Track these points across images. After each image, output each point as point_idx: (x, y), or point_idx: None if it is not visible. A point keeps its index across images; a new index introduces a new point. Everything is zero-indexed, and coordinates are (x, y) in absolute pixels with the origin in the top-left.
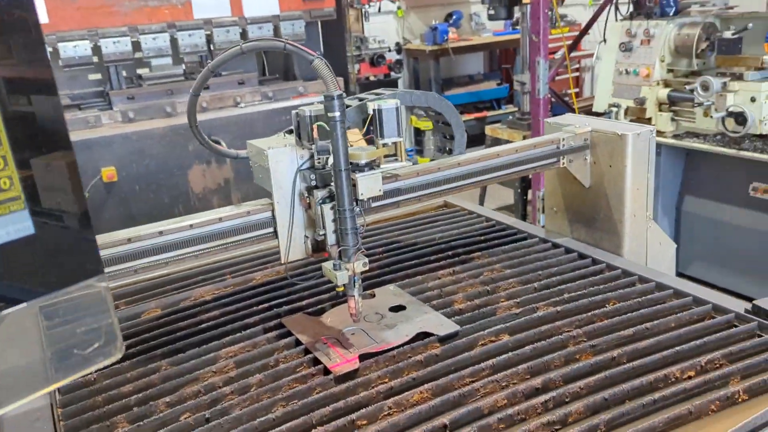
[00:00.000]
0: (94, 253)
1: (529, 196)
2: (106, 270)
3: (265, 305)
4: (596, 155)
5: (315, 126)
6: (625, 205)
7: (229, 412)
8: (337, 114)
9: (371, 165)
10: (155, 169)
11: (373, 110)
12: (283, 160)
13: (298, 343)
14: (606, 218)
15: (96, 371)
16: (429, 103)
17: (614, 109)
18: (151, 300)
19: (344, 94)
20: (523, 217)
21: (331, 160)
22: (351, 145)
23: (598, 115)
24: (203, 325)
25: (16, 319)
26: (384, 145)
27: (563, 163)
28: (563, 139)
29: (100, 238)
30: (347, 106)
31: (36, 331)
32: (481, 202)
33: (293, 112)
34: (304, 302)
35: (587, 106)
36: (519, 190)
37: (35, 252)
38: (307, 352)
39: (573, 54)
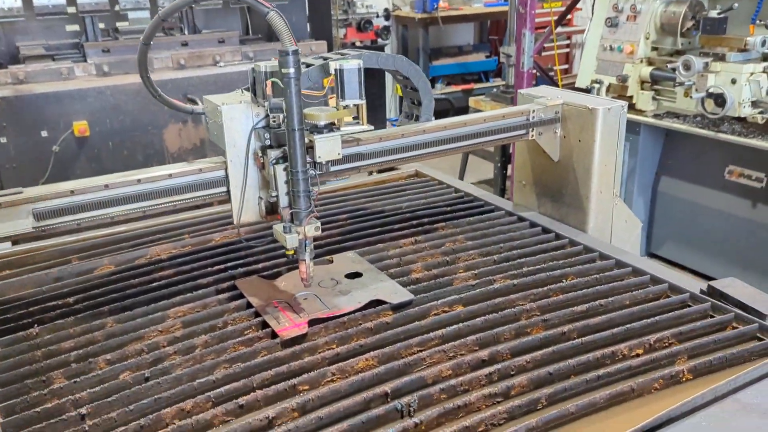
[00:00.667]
0: None
1: (509, 171)
2: (47, 222)
3: (221, 266)
4: (566, 129)
5: (269, 82)
6: (592, 180)
7: (170, 372)
8: (292, 70)
9: (330, 127)
10: (129, 125)
11: (335, 70)
12: (237, 117)
13: (249, 305)
14: (573, 193)
15: (37, 326)
16: (396, 66)
17: (596, 86)
18: (105, 256)
19: (299, 51)
20: (502, 192)
21: (285, 119)
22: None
23: (580, 91)
24: (155, 284)
25: None
26: (345, 107)
27: (533, 136)
28: (534, 111)
29: (41, 189)
30: (309, 65)
31: None
32: (461, 176)
33: (250, 67)
34: (260, 265)
35: (573, 83)
36: (499, 165)
37: None
38: (257, 315)
39: (564, 30)
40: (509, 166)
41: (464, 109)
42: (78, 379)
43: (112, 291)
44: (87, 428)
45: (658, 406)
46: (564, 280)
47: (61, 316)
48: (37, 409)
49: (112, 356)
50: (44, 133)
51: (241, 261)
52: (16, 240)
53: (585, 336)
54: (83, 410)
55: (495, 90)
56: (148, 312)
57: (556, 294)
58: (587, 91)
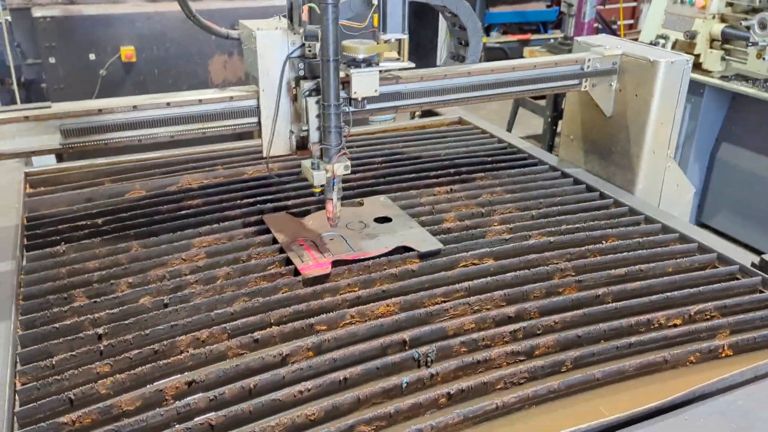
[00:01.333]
0: None
1: (560, 127)
2: (74, 140)
3: (250, 200)
4: (623, 82)
5: (306, 7)
6: (646, 139)
7: (189, 301)
8: None
9: (369, 62)
10: (175, 54)
11: (379, 0)
12: (272, 44)
13: (274, 241)
14: (623, 152)
15: (64, 244)
16: (444, 2)
17: (661, 41)
18: (136, 181)
19: None
20: (550, 149)
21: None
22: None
23: None
24: (183, 212)
25: None
26: (386, 41)
27: (586, 87)
28: (589, 60)
29: (70, 105)
30: None
31: None
32: (509, 129)
33: None
34: (289, 202)
35: (636, 39)
36: (549, 120)
37: None
38: (281, 251)
39: None
40: (560, 122)
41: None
42: (98, 300)
43: (140, 216)
44: (102, 348)
45: (692, 380)
46: (604, 242)
47: (89, 236)
48: (56, 325)
49: (134, 280)
50: (92, 56)
51: (270, 197)
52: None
53: (620, 301)
54: (100, 330)
55: (552, 41)
56: (173, 239)
57: (594, 255)
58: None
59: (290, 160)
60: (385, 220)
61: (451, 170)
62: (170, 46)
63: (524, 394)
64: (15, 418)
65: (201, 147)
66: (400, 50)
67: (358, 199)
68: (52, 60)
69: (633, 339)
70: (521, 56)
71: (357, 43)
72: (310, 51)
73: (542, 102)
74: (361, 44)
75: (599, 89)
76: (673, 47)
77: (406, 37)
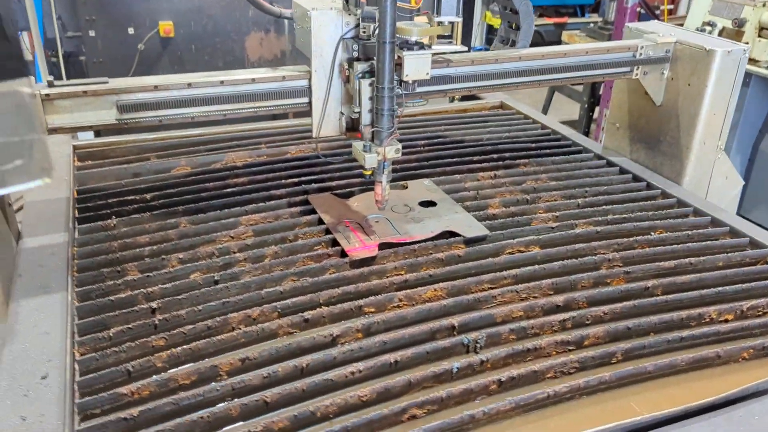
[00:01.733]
0: (13, 46)
1: (596, 114)
2: (129, 116)
3: (294, 180)
4: (675, 70)
5: None
6: (697, 129)
7: (239, 278)
8: None
9: (422, 44)
10: (213, 30)
11: None
12: (326, 24)
13: (320, 222)
14: (672, 142)
15: (115, 218)
16: None
17: (708, 28)
18: (182, 157)
19: None
20: (586, 135)
21: (377, 31)
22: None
23: None
24: (228, 190)
25: None
26: (439, 23)
27: (637, 75)
28: (642, 47)
29: (126, 81)
30: None
31: None
32: (545, 112)
33: None
34: (333, 183)
35: (679, 24)
36: (586, 106)
37: None
38: (327, 232)
39: None
40: (597, 108)
41: (554, 44)
42: (151, 274)
43: (187, 192)
44: (157, 322)
45: (744, 377)
46: (652, 233)
47: (138, 211)
48: (111, 298)
49: (185, 256)
50: (131, 30)
51: (314, 176)
52: (98, 132)
53: (670, 294)
54: (154, 304)
55: (591, 25)
56: (220, 217)
57: (642, 246)
58: None
59: (335, 140)
60: (429, 204)
61: (494, 155)
62: (208, 22)
63: (575, 384)
64: (76, 387)
65: (243, 125)
66: (452, 33)
67: (403, 182)
68: (92, 33)
69: (684, 333)
70: (558, 40)
71: (410, 25)
72: (364, 32)
73: (579, 87)
74: (415, 26)
75: (650, 77)
76: (719, 35)
77: (460, 20)
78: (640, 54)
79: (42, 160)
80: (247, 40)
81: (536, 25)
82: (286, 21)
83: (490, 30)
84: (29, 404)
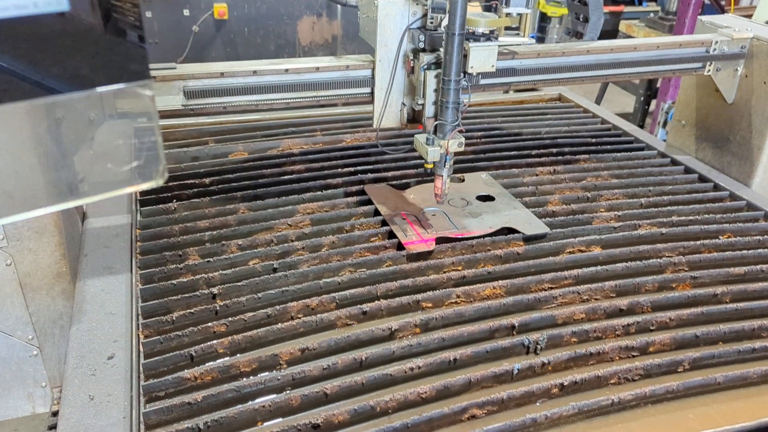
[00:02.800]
0: (139, 50)
1: (652, 107)
2: (196, 102)
3: (350, 169)
4: (750, 68)
5: None
6: None
7: (297, 267)
8: None
9: (489, 36)
10: (266, 13)
11: None
12: (393, 14)
13: (376, 213)
14: (742, 141)
15: (176, 201)
16: None
17: None
18: (239, 142)
19: None
20: (640, 128)
21: (445, 22)
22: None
23: None
24: (286, 177)
25: (34, 114)
26: (508, 15)
27: (709, 71)
28: (716, 42)
29: (193, 67)
30: None
31: (59, 134)
32: (598, 103)
33: None
34: (389, 173)
35: (745, 16)
36: (642, 99)
37: (66, 34)
38: (384, 224)
39: None
40: (653, 101)
41: (610, 34)
42: (211, 260)
43: (245, 178)
44: (218, 308)
45: None
46: (720, 237)
47: (197, 195)
48: (174, 282)
49: (243, 242)
50: (186, 12)
51: (370, 166)
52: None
53: (740, 302)
54: (215, 290)
55: (652, 15)
56: (278, 204)
57: (710, 251)
58: None
59: (391, 131)
60: (487, 198)
61: (553, 150)
62: (261, 4)
63: (641, 392)
64: (141, 369)
65: (299, 112)
66: (520, 24)
67: (459, 175)
68: (148, 14)
69: (757, 344)
70: (614, 29)
71: (479, 15)
72: (431, 23)
73: (636, 80)
74: (483, 17)
75: (723, 74)
76: None
77: (529, 11)
78: (714, 49)
79: (158, 162)
80: (299, 23)
81: None
82: (339, 6)
83: (543, 17)
84: (97, 383)
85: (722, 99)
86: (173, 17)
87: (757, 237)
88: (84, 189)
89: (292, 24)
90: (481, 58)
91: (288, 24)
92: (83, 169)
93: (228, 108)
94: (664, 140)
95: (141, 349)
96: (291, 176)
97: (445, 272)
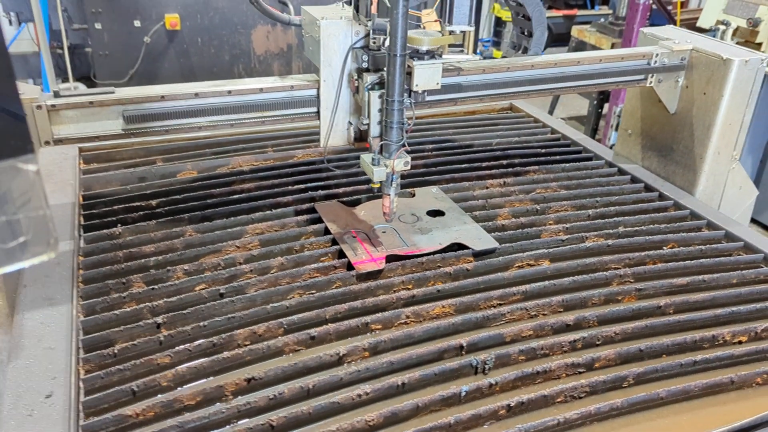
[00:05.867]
0: (19, 124)
1: (605, 110)
2: (136, 126)
3: (301, 186)
4: (690, 79)
5: (376, 0)
6: (711, 139)
7: (245, 292)
8: None
9: (432, 54)
10: (219, 23)
11: None
12: (336, 34)
13: (327, 231)
14: (685, 151)
15: (120, 225)
16: None
17: (722, 27)
18: (188, 161)
19: None
20: (594, 131)
21: (387, 42)
22: (423, 27)
23: (701, 31)
24: (235, 196)
25: None
26: (450, 32)
27: (651, 83)
28: (657, 55)
29: (133, 91)
30: None
31: None
32: (551, 111)
33: None
34: (340, 189)
35: (691, 19)
36: (595, 102)
37: None
38: (334, 242)
39: None
40: (606, 105)
41: (564, 36)
42: (156, 287)
43: (193, 198)
44: (162, 338)
45: (758, 403)
46: (664, 248)
47: (144, 219)
48: (117, 312)
49: (190, 267)
50: (137, 23)
51: (321, 183)
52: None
53: (683, 313)
54: (159, 319)
55: (602, 20)
56: (227, 225)
57: (654, 262)
58: (708, 32)
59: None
60: (437, 213)
61: (504, 161)
62: (214, 15)
63: (586, 411)
64: (81, 407)
65: (250, 128)
66: (464, 41)
67: (410, 190)
68: (98, 26)
69: (698, 356)
70: (566, 32)
71: (421, 34)
72: (374, 43)
73: None
74: (426, 35)
75: (665, 85)
76: (733, 34)
77: (472, 29)
78: (655, 62)
79: (47, 235)
80: (254, 33)
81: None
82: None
83: (498, 22)
84: (34, 425)
85: (665, 109)
86: (124, 28)
87: (699, 246)
88: None
89: (246, 33)
90: (426, 75)
91: (242, 33)
92: None
93: (170, 131)
94: (613, 145)
95: (81, 385)
96: (240, 195)
97: (394, 291)
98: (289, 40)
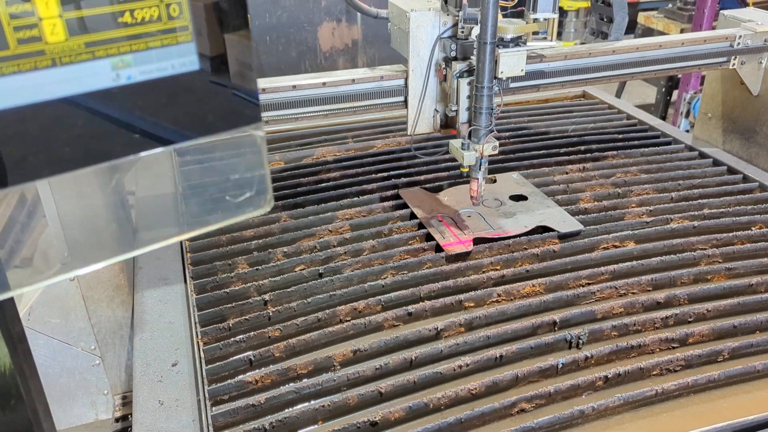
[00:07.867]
0: (254, 98)
1: (674, 97)
2: None
3: (384, 174)
4: None
5: None
6: None
7: (341, 272)
8: None
9: (517, 41)
10: (286, 21)
11: None
12: (424, 24)
13: (412, 216)
14: None
15: None
16: None
17: None
18: (275, 153)
19: None
20: (662, 119)
21: (475, 31)
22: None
23: None
24: (323, 185)
25: (157, 163)
26: (535, 20)
27: (734, 65)
28: (740, 37)
29: None
30: None
31: (188, 174)
32: (618, 96)
33: None
34: (422, 177)
35: (764, 2)
36: (663, 90)
37: (196, 91)
38: (421, 226)
39: None
40: (674, 92)
41: (630, 24)
42: (260, 267)
43: (284, 187)
44: (270, 314)
45: None
46: (752, 228)
47: None
48: (226, 290)
49: (288, 249)
50: None
51: (403, 171)
52: None
53: None
54: (266, 297)
55: (670, 5)
56: (318, 211)
57: (742, 242)
58: None
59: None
60: (520, 198)
61: (581, 147)
62: (282, 13)
63: (683, 382)
64: (205, 374)
65: (331, 120)
66: (548, 28)
67: (491, 176)
68: None
69: None
70: (633, 20)
71: (507, 22)
72: (462, 32)
73: None
74: (510, 23)
75: (748, 67)
76: None
77: (555, 16)
78: (738, 44)
79: (266, 192)
80: (320, 30)
81: None
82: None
83: (560, 12)
84: (164, 389)
85: (748, 91)
86: None
87: None
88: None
89: (312, 30)
90: (511, 63)
91: (308, 31)
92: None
93: (270, 122)
94: (687, 130)
95: (202, 355)
96: (327, 183)
97: (484, 272)
98: (354, 36)
